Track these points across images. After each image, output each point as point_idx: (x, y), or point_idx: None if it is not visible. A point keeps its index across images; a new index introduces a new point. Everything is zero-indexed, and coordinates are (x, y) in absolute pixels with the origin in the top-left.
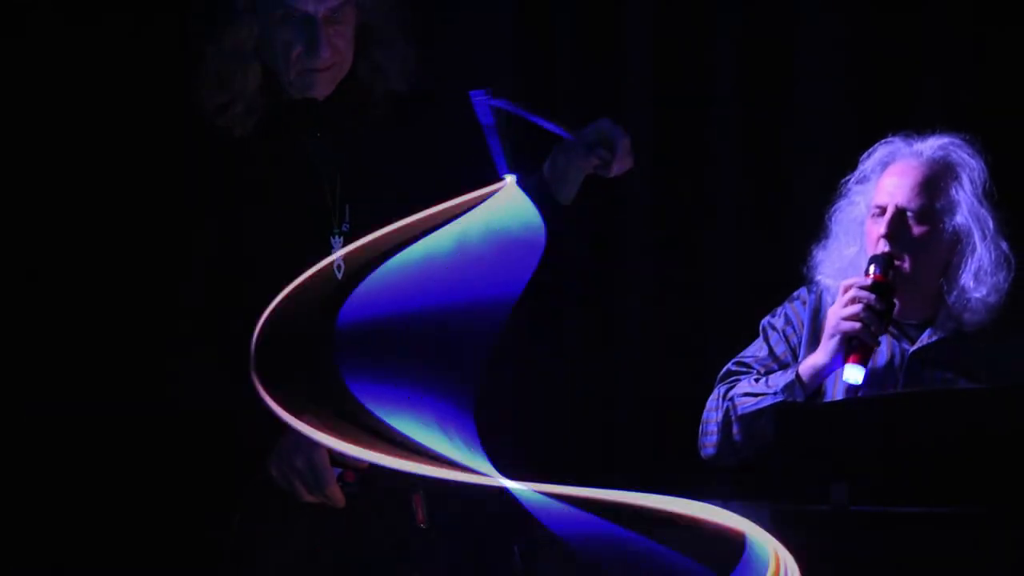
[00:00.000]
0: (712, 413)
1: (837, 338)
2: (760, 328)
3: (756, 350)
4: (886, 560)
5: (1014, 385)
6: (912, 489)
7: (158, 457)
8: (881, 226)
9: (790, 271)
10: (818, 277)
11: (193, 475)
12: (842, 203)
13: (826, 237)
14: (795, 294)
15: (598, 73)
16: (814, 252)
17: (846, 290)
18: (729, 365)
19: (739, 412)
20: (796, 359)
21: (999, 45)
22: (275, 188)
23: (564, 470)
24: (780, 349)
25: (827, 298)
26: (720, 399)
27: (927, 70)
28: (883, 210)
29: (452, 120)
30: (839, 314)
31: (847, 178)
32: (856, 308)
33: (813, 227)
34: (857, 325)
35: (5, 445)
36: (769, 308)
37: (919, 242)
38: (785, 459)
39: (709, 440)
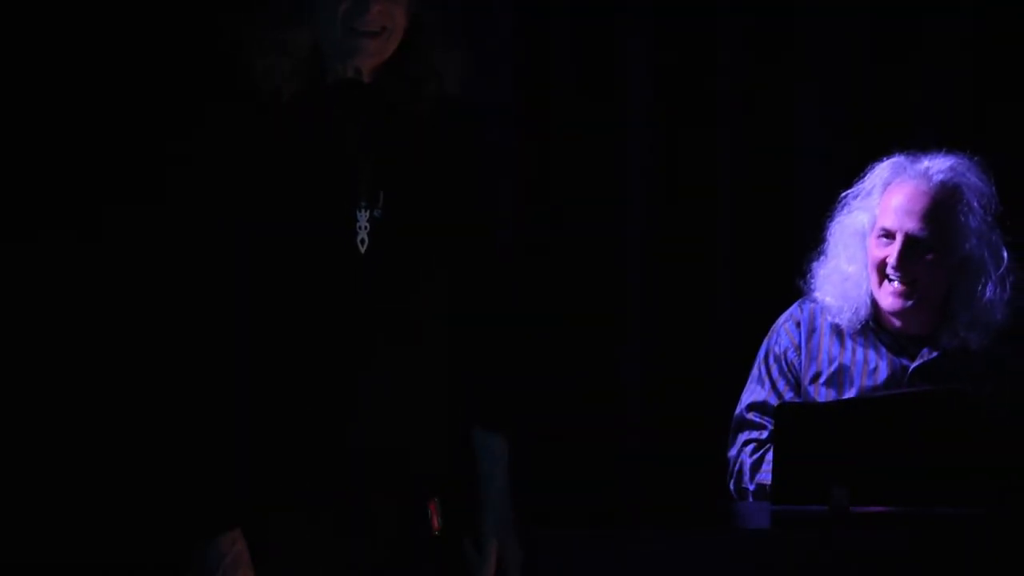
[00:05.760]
0: (745, 476)
1: None
2: (762, 364)
3: (766, 394)
4: (886, 560)
5: (1014, 385)
6: (912, 489)
7: (167, 457)
8: (892, 255)
9: (792, 284)
10: (816, 294)
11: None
12: (841, 217)
13: (824, 253)
14: (788, 313)
15: (599, 86)
16: (813, 268)
17: None
18: (743, 412)
19: None
20: (799, 391)
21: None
22: (307, 162)
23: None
24: (788, 396)
25: (822, 318)
26: (749, 470)
27: (926, 93)
28: (890, 234)
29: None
30: None
31: (845, 192)
32: None
33: (813, 241)
34: None
35: (11, 444)
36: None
37: (929, 268)
38: (785, 459)
39: (746, 492)
